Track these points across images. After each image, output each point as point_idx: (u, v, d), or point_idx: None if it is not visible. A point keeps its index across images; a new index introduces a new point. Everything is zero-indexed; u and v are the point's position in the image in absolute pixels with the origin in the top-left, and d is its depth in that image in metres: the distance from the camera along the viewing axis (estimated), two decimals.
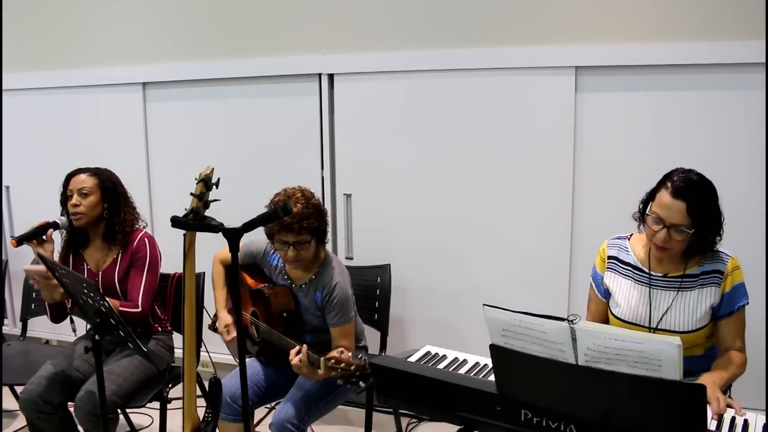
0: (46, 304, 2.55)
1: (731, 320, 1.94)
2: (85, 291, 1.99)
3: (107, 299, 2.00)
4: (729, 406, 1.72)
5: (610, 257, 2.09)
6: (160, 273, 2.57)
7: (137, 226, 2.57)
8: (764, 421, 1.64)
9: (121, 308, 2.41)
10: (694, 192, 1.83)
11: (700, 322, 1.94)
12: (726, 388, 2.06)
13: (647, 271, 2.01)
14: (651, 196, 1.94)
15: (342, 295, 2.32)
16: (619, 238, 2.11)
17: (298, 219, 2.18)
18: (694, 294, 1.94)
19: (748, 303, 1.95)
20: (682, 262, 1.96)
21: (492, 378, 1.66)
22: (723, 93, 2.51)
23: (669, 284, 1.97)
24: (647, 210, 1.92)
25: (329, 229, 2.42)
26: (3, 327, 3.47)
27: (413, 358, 2.04)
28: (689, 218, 1.82)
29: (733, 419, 1.68)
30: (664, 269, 1.99)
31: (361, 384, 1.93)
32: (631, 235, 2.10)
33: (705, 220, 1.84)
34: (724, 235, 1.95)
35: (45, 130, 3.60)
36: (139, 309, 2.47)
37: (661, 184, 1.91)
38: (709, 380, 1.82)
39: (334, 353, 2.02)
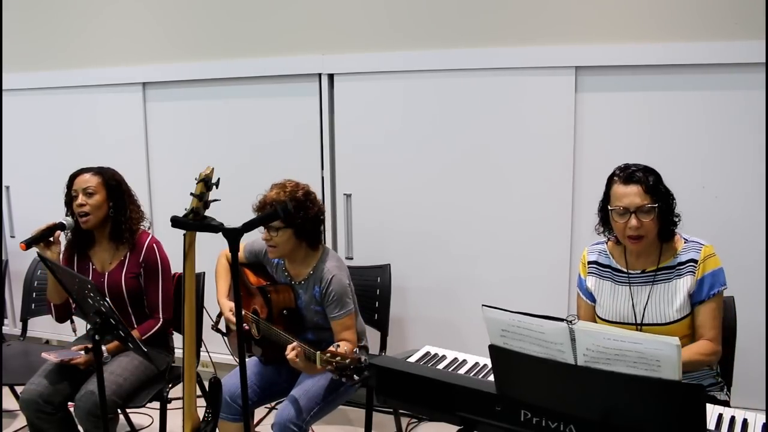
0: (52, 304, 2.56)
1: (705, 307, 1.96)
2: (86, 292, 1.99)
3: (131, 333, 2.04)
4: None
5: (590, 262, 2.14)
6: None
7: (142, 224, 2.58)
8: (764, 421, 1.64)
9: (144, 337, 2.46)
10: (641, 174, 1.94)
11: (681, 312, 1.96)
12: (722, 383, 2.07)
13: (625, 270, 2.05)
14: (605, 201, 2.02)
15: (338, 288, 2.35)
16: (597, 243, 2.17)
17: (270, 200, 2.30)
18: (671, 285, 1.98)
19: (723, 289, 1.97)
20: (657, 254, 2.01)
21: (492, 378, 1.66)
22: (723, 93, 2.51)
23: (647, 279, 2.02)
24: (609, 208, 1.99)
25: (323, 230, 2.44)
26: (3, 327, 3.47)
27: (413, 359, 2.04)
28: (649, 196, 1.91)
29: (732, 419, 1.68)
30: (642, 265, 2.03)
31: (356, 377, 1.94)
32: (608, 240, 2.14)
33: (662, 195, 1.93)
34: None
35: (45, 131, 3.60)
36: (161, 322, 2.52)
37: (609, 184, 2.02)
38: None
39: (331, 347, 2.04)
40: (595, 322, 2.12)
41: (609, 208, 1.98)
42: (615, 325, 2.00)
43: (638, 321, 2.00)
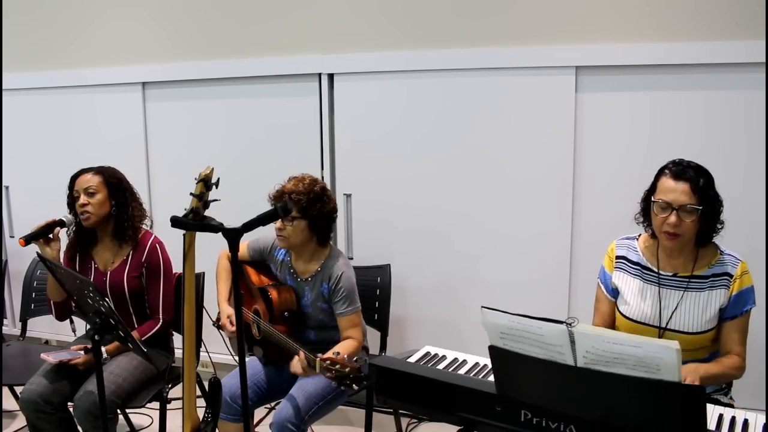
0: (51, 302, 2.56)
1: (734, 323, 1.95)
2: (86, 292, 1.99)
3: (131, 333, 2.04)
4: None
5: (618, 257, 2.10)
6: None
7: (144, 223, 2.59)
8: (764, 421, 1.64)
9: (144, 338, 2.46)
10: (694, 172, 1.88)
11: (709, 324, 1.94)
12: (726, 389, 2.07)
13: (656, 270, 2.01)
14: (651, 191, 1.97)
15: (348, 284, 2.38)
16: (627, 238, 2.12)
17: (288, 191, 2.31)
18: (704, 295, 1.95)
19: (753, 307, 1.95)
20: (692, 259, 1.97)
21: (492, 378, 1.66)
22: (723, 93, 2.51)
23: (679, 284, 1.98)
24: (652, 199, 1.94)
25: (333, 228, 2.45)
26: (3, 327, 3.47)
27: (413, 359, 2.04)
28: (695, 196, 1.86)
29: (733, 419, 1.68)
30: (674, 268, 1.99)
31: (354, 387, 1.94)
32: (639, 236, 2.11)
33: (709, 198, 1.88)
34: (723, 234, 1.96)
35: (45, 131, 3.60)
36: (161, 323, 2.52)
37: (659, 175, 1.95)
38: (692, 367, 1.84)
39: (330, 354, 2.04)
40: (614, 318, 2.10)
41: (652, 199, 1.93)
42: (637, 325, 2.00)
43: (662, 325, 1.97)
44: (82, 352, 2.39)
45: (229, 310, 2.50)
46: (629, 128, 2.64)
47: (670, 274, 1.99)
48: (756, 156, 2.49)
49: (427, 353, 2.09)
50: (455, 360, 2.05)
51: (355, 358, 2.00)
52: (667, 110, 2.58)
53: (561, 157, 2.73)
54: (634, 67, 2.58)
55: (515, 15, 2.72)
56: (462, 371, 1.96)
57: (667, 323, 1.97)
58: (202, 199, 1.93)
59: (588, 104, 2.67)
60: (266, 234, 2.48)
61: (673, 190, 1.87)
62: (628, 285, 2.06)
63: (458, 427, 1.81)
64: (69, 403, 2.37)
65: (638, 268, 2.05)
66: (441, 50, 2.83)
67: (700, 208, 1.86)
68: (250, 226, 1.88)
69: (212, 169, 1.96)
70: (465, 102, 2.84)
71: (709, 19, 2.49)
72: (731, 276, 1.94)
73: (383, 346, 2.78)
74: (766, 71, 2.41)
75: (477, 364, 2.02)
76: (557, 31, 2.67)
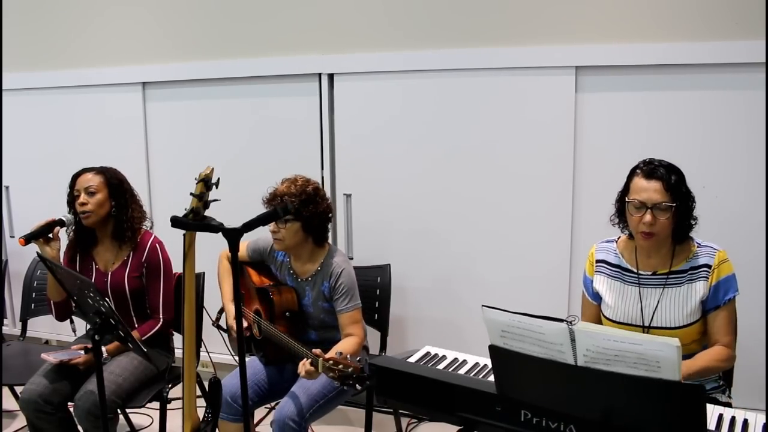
0: (51, 302, 2.56)
1: (718, 314, 1.95)
2: (86, 292, 1.99)
3: (131, 333, 2.04)
4: None
5: (598, 261, 2.11)
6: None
7: (144, 224, 2.58)
8: (764, 421, 1.64)
9: (144, 338, 2.46)
10: (665, 170, 1.91)
11: (691, 317, 1.95)
12: (724, 386, 2.07)
13: (635, 271, 2.03)
14: (624, 192, 1.99)
15: (348, 280, 2.39)
16: (606, 241, 2.14)
17: (280, 193, 2.33)
18: (683, 289, 1.96)
19: (736, 295, 1.96)
20: (669, 255, 1.98)
21: (492, 378, 1.66)
22: (723, 93, 2.51)
23: (658, 282, 1.99)
24: (626, 200, 1.96)
25: (329, 227, 2.45)
26: (3, 327, 3.47)
27: (413, 359, 2.04)
28: (668, 194, 1.88)
29: (732, 419, 1.68)
30: (653, 267, 2.01)
31: (357, 387, 1.94)
32: (618, 238, 2.12)
33: (682, 195, 1.90)
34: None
35: (45, 131, 3.60)
36: (161, 323, 2.52)
37: (630, 176, 1.98)
38: None
39: (333, 354, 2.04)
40: (600, 322, 2.10)
41: (626, 199, 1.95)
42: (622, 327, 2.00)
43: (646, 324, 1.98)
44: (82, 352, 2.39)
45: (234, 311, 2.50)
46: (629, 128, 2.64)
47: (650, 273, 2.01)
48: (756, 156, 2.49)
49: (427, 353, 2.09)
50: (455, 360, 2.05)
51: (357, 358, 2.00)
52: (667, 110, 2.58)
53: (561, 157, 2.73)
54: (634, 67, 2.59)
55: (515, 15, 2.72)
56: (462, 371, 1.97)
57: (650, 322, 1.98)
58: (202, 199, 1.93)
59: (588, 104, 2.67)
60: (266, 235, 2.48)
61: (646, 189, 1.90)
62: (609, 288, 2.07)
63: (458, 427, 1.81)
64: (69, 403, 2.37)
65: (618, 270, 2.06)
66: (441, 50, 2.83)
67: (674, 205, 1.88)
68: (250, 226, 1.89)
69: (212, 169, 1.96)
70: (465, 102, 2.84)
71: (709, 19, 2.49)
72: (710, 267, 1.94)
73: (383, 346, 2.78)
74: (766, 71, 2.41)
75: (477, 364, 2.02)
76: (557, 31, 2.67)
